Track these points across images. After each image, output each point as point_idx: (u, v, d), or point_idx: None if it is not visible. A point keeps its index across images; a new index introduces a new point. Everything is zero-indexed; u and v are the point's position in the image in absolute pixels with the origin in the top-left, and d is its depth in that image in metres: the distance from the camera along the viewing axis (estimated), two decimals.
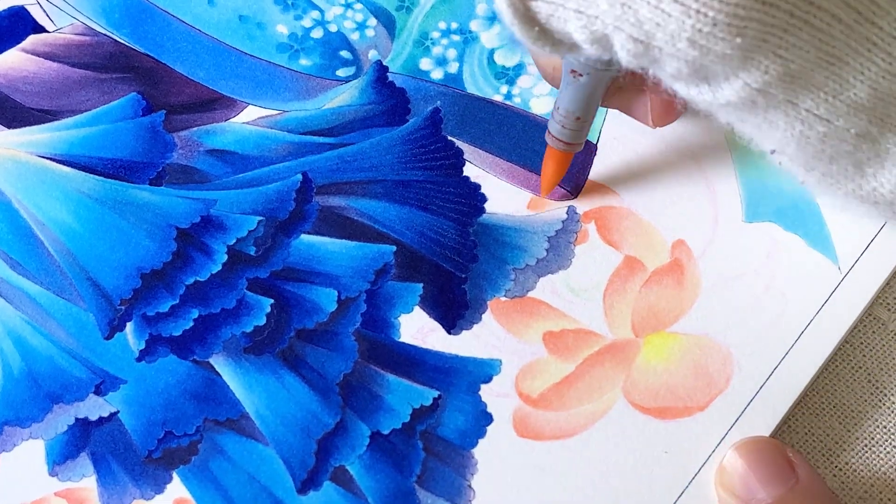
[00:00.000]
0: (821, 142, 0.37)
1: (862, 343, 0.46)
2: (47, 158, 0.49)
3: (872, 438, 0.45)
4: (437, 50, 0.52)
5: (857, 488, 0.44)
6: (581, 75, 0.41)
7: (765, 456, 0.42)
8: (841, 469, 0.44)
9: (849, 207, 0.40)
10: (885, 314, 0.46)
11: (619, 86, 0.43)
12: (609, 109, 0.50)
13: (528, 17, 0.36)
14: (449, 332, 0.46)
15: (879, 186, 0.38)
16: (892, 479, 0.44)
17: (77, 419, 0.44)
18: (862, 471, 0.44)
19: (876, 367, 0.46)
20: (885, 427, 0.45)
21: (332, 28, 0.52)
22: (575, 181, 0.49)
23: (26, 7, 0.52)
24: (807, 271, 0.46)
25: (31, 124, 0.50)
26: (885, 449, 0.45)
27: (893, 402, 0.45)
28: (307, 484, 0.43)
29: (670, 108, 0.44)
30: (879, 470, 0.44)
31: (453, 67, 0.51)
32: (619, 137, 0.49)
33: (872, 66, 0.35)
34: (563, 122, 0.44)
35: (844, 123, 0.36)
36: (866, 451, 0.45)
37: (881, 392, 0.45)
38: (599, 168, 0.49)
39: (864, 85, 0.35)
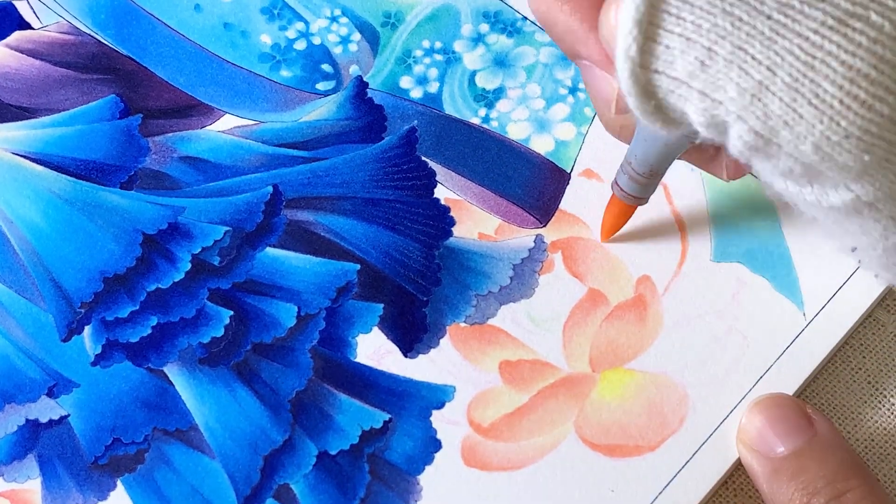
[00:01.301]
0: None
1: (861, 345, 0.46)
2: (21, 156, 0.49)
3: (872, 440, 0.45)
4: (418, 68, 0.52)
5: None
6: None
7: (783, 411, 0.42)
8: None
9: None
10: (885, 316, 0.46)
11: (698, 145, 0.42)
12: (585, 140, 0.50)
13: (647, 91, 0.34)
14: (405, 355, 0.46)
15: None
16: (893, 483, 0.44)
17: (28, 420, 0.44)
18: None
19: (875, 369, 0.46)
20: (884, 428, 0.45)
21: (316, 41, 0.52)
22: (545, 209, 0.48)
23: (13, 3, 0.53)
24: (771, 315, 0.46)
25: (8, 121, 0.50)
26: (884, 450, 0.44)
27: (893, 404, 0.45)
28: (250, 500, 0.43)
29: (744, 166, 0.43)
30: (879, 472, 0.44)
31: (433, 87, 0.51)
32: (593, 167, 0.49)
33: None
34: (636, 178, 0.43)
35: None
36: (866, 453, 0.44)
37: (881, 394, 0.45)
38: (571, 198, 0.49)
39: None
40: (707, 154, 0.43)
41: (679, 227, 0.48)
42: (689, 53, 0.33)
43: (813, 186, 0.35)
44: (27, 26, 0.53)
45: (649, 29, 0.33)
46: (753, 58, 0.32)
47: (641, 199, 0.45)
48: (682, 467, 0.43)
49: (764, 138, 0.33)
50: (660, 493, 0.43)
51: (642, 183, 0.43)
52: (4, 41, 0.52)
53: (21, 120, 0.50)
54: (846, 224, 0.36)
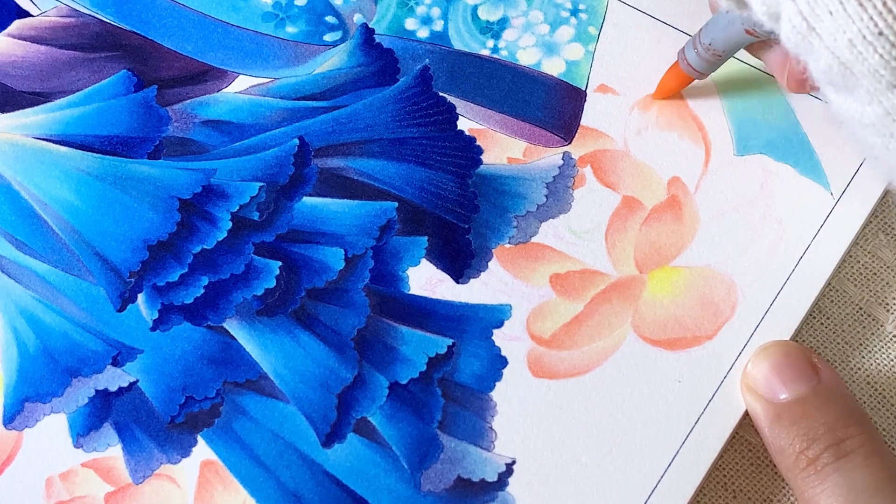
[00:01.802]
0: None
1: (860, 344, 0.46)
2: (43, 140, 0.49)
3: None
4: (420, 9, 0.52)
5: None
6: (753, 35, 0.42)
7: (788, 358, 0.43)
8: None
9: None
10: (883, 315, 0.47)
11: (769, 43, 0.44)
12: (595, 57, 0.51)
13: None
14: (457, 282, 0.47)
15: None
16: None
17: (97, 391, 0.44)
18: None
19: (874, 369, 0.46)
20: (883, 429, 0.45)
21: None
22: (567, 127, 0.50)
23: None
24: (800, 198, 0.48)
25: (23, 107, 0.50)
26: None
27: (892, 405, 0.45)
28: (331, 437, 0.43)
29: (804, 79, 0.44)
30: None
31: (438, 25, 0.52)
32: (607, 82, 0.50)
33: None
34: (703, 55, 0.46)
35: None
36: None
37: (879, 394, 0.46)
38: (590, 113, 0.50)
39: None
40: (773, 54, 0.44)
41: (699, 128, 0.49)
42: None
43: (853, 98, 0.36)
44: (25, 14, 0.52)
45: None
46: None
47: (702, 75, 0.47)
48: (741, 351, 0.45)
49: (808, 24, 0.35)
50: (725, 377, 0.44)
51: (708, 61, 0.46)
52: (6, 31, 0.52)
53: (37, 105, 0.50)
54: (876, 140, 0.37)
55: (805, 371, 0.42)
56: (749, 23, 0.41)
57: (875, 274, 0.47)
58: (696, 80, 0.48)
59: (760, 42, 0.44)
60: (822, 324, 0.46)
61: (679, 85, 0.48)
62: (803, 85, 0.43)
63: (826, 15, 0.34)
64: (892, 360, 0.46)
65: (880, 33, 0.33)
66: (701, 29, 0.45)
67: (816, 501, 0.40)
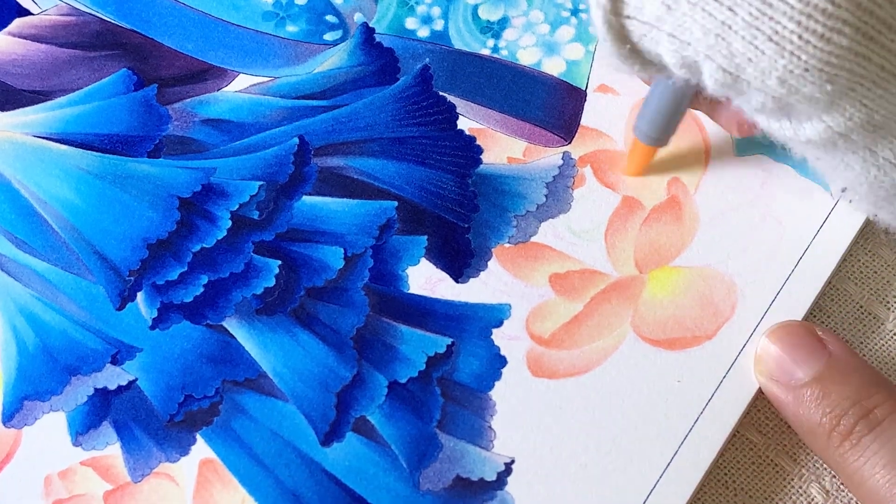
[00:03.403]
0: (894, 187, 0.37)
1: (861, 343, 0.46)
2: (43, 138, 0.49)
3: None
4: (421, 9, 0.52)
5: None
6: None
7: (796, 338, 0.43)
8: None
9: None
10: (883, 312, 0.47)
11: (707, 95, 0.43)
12: (595, 56, 0.51)
13: (622, 35, 0.36)
14: (457, 281, 0.47)
15: None
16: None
17: (96, 389, 0.44)
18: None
19: (875, 367, 0.45)
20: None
21: None
22: (567, 127, 0.49)
23: None
24: (800, 198, 0.48)
25: (24, 105, 0.50)
26: None
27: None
28: (330, 436, 0.43)
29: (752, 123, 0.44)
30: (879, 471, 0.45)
31: (439, 25, 0.52)
32: (607, 82, 0.50)
33: None
34: (654, 123, 0.45)
35: None
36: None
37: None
38: (590, 113, 0.50)
39: None
40: (714, 105, 0.44)
41: (699, 128, 0.49)
42: None
43: (789, 121, 0.36)
44: (26, 13, 0.52)
45: None
46: None
47: (661, 141, 0.46)
48: (741, 351, 0.45)
49: (732, 75, 0.35)
50: (724, 376, 0.44)
51: (661, 127, 0.45)
52: (6, 29, 0.52)
53: (37, 103, 0.50)
54: (828, 160, 0.37)
55: (814, 347, 0.42)
56: (687, 87, 0.41)
57: (875, 272, 0.47)
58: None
59: (703, 101, 0.44)
60: (822, 322, 0.46)
61: (647, 156, 0.47)
62: (751, 130, 0.43)
63: (747, 63, 0.34)
64: (893, 359, 0.46)
65: (806, 70, 0.33)
66: (644, 101, 0.45)
67: (861, 475, 0.40)
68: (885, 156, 0.36)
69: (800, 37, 0.33)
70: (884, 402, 0.40)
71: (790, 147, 0.39)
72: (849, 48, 0.33)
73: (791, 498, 0.44)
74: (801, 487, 0.44)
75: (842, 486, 0.44)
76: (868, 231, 0.48)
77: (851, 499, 0.44)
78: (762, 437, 0.44)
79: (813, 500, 0.44)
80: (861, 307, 0.47)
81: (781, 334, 0.43)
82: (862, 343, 0.46)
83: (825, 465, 0.44)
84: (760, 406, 0.45)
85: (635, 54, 0.37)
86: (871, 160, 0.36)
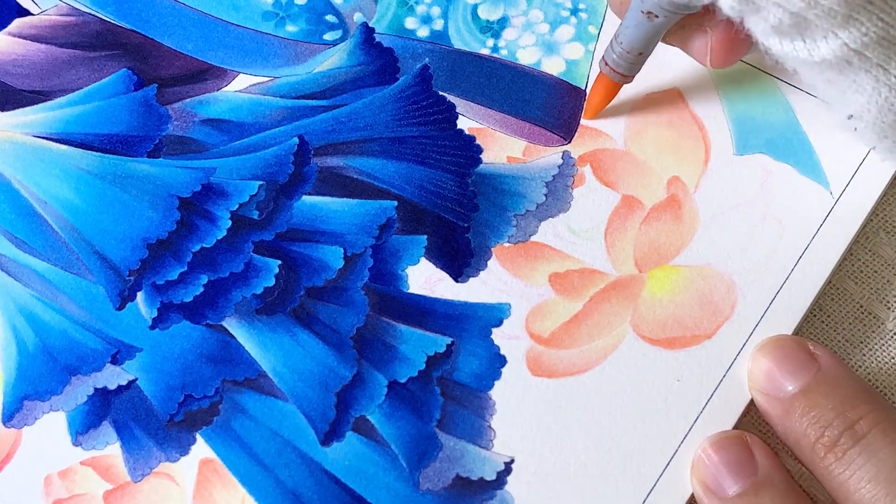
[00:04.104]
0: None
1: (861, 342, 0.46)
2: (43, 138, 0.49)
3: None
4: (420, 9, 0.52)
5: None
6: (657, 17, 0.42)
7: (786, 351, 0.43)
8: None
9: None
10: (883, 312, 0.47)
11: (682, 24, 0.43)
12: (595, 57, 0.51)
13: None
14: (456, 281, 0.47)
15: None
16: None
17: (96, 389, 0.44)
18: None
19: (875, 367, 0.46)
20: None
21: None
22: (567, 126, 0.50)
23: None
24: (800, 198, 0.48)
25: (24, 105, 0.50)
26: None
27: (893, 403, 0.45)
28: (330, 436, 0.43)
29: (730, 50, 0.44)
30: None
31: (438, 24, 0.52)
32: None
33: None
34: (624, 56, 0.45)
35: None
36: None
37: (880, 392, 0.45)
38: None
39: None
40: (688, 35, 0.44)
41: (699, 127, 0.49)
42: None
43: (804, 40, 0.36)
44: (26, 13, 0.53)
45: None
46: None
47: (627, 77, 0.47)
48: (740, 350, 0.45)
49: None
50: (724, 376, 0.44)
51: (630, 61, 0.45)
52: (6, 29, 0.52)
53: (37, 103, 0.50)
54: (840, 82, 0.37)
55: (804, 360, 0.42)
56: (653, 6, 0.41)
57: (875, 272, 0.47)
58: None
59: (676, 29, 0.44)
60: (822, 322, 0.46)
61: (609, 94, 0.47)
62: (729, 51, 0.43)
63: None
64: (893, 358, 0.46)
65: None
66: (616, 32, 0.45)
67: (846, 488, 0.39)
68: None
69: None
70: (868, 413, 0.40)
71: (800, 72, 0.38)
72: None
73: None
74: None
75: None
76: (868, 230, 0.48)
77: None
78: (765, 440, 0.44)
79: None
80: (861, 307, 0.47)
81: (772, 348, 0.43)
82: (862, 343, 0.46)
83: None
84: None
85: None
86: (884, 79, 0.36)
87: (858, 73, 0.36)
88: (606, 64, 0.46)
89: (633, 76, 0.47)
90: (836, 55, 0.36)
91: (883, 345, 0.46)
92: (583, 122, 0.49)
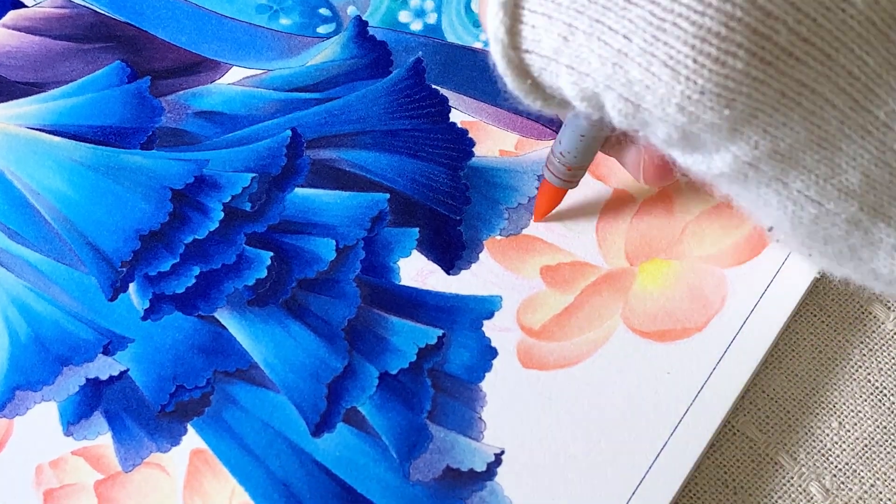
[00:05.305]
0: (813, 223, 0.36)
1: (860, 342, 0.46)
2: (37, 129, 0.49)
3: (872, 439, 0.45)
4: (414, 2, 0.53)
5: (856, 489, 0.44)
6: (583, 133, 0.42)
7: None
8: (841, 470, 0.44)
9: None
10: (883, 312, 0.47)
11: (617, 139, 0.43)
12: None
13: (521, 70, 0.35)
14: (448, 273, 0.47)
15: (878, 269, 0.37)
16: (893, 480, 0.44)
17: (88, 379, 0.45)
18: (862, 471, 0.44)
19: (874, 366, 0.46)
20: (884, 427, 0.45)
21: None
22: (558, 120, 0.50)
23: None
24: None
25: (17, 97, 0.50)
26: (884, 449, 0.45)
27: (892, 403, 0.45)
28: (321, 427, 0.44)
29: (662, 171, 0.44)
30: (879, 470, 0.45)
31: (432, 18, 0.52)
32: None
33: (865, 154, 0.34)
34: (564, 162, 0.44)
35: (835, 208, 0.35)
36: (866, 452, 0.45)
37: (880, 392, 0.46)
38: None
39: (855, 171, 0.34)
40: (622, 150, 0.44)
41: None
42: (552, 30, 0.34)
43: (700, 154, 0.35)
44: (20, 5, 0.53)
45: (515, 11, 0.34)
46: (610, 28, 0.33)
47: (571, 183, 0.46)
48: (731, 343, 0.45)
49: (633, 104, 0.34)
50: (714, 368, 0.44)
51: (571, 169, 0.45)
52: (0, 21, 0.52)
53: (31, 95, 0.50)
54: (746, 196, 0.36)
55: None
56: (597, 129, 0.41)
57: None
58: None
59: (614, 142, 0.44)
60: (821, 321, 0.46)
61: (555, 200, 0.47)
62: (662, 172, 0.43)
63: (646, 90, 0.33)
64: (893, 358, 0.46)
65: (702, 93, 0.33)
66: (553, 144, 0.45)
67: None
68: (798, 188, 0.35)
69: (694, 60, 0.32)
70: None
71: (712, 184, 0.38)
72: (745, 72, 0.32)
73: (790, 496, 0.44)
74: (800, 485, 0.44)
75: (842, 485, 0.44)
76: None
77: (851, 497, 0.44)
78: (762, 435, 0.44)
79: (812, 498, 0.44)
80: (861, 306, 0.47)
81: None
82: (861, 342, 0.46)
83: (825, 464, 0.44)
84: (760, 403, 0.45)
85: (537, 88, 0.36)
86: (785, 193, 0.35)
87: (760, 186, 0.35)
88: (549, 171, 0.46)
89: (576, 183, 0.46)
90: (732, 168, 0.35)
91: (883, 344, 0.46)
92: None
